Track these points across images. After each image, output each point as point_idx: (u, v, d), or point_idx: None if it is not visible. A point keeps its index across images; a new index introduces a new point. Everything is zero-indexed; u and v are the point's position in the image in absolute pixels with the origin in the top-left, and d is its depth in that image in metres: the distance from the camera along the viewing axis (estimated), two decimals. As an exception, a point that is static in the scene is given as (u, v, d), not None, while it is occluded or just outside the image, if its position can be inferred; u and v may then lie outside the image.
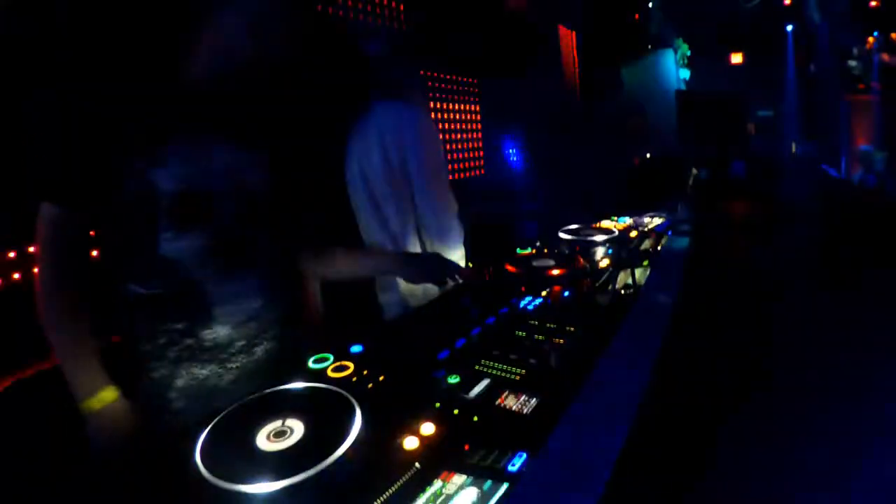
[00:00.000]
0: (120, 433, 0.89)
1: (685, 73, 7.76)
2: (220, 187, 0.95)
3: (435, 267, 1.24)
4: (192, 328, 0.94)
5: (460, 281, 1.18)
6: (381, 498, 0.49)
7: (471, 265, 1.30)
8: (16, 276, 1.65)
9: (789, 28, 8.00)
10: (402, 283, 1.57)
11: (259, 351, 1.00)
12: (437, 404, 0.65)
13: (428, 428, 0.58)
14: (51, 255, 0.90)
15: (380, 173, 1.54)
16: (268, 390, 0.67)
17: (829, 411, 0.55)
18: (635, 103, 4.01)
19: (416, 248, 1.63)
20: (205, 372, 0.96)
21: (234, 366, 0.98)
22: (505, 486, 0.49)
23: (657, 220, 1.80)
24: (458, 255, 1.65)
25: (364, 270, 1.30)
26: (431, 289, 1.34)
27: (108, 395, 0.91)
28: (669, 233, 1.47)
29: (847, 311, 0.86)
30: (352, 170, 1.56)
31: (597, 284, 1.13)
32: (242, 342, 0.98)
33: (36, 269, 0.92)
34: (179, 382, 0.95)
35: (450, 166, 4.26)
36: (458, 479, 0.51)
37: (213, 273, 0.93)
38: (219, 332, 0.95)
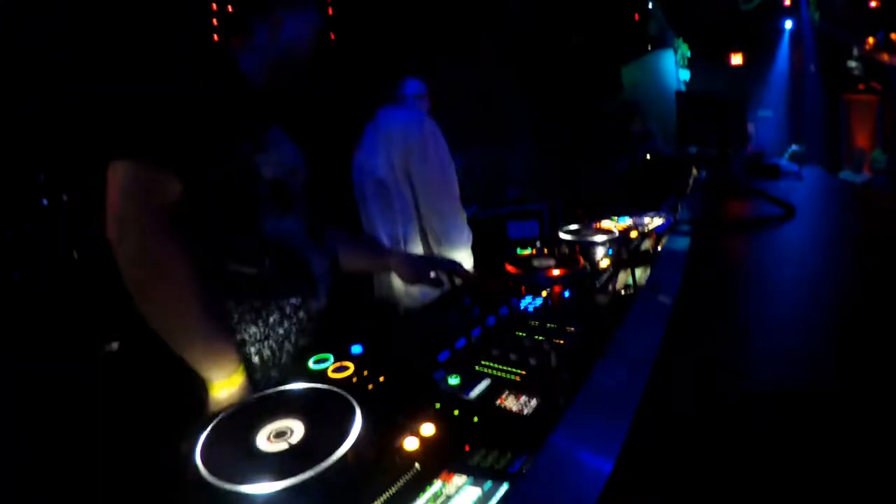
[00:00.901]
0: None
1: (685, 74, 7.76)
2: (297, 178, 1.01)
3: (430, 268, 1.24)
4: (304, 302, 0.98)
5: (458, 282, 1.18)
6: (381, 498, 0.49)
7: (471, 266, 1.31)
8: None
9: (788, 28, 8.01)
10: (398, 282, 1.57)
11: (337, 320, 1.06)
12: (437, 404, 0.65)
13: (428, 428, 0.58)
14: (147, 220, 0.75)
15: (384, 177, 1.54)
16: (268, 391, 0.67)
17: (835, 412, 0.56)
18: (633, 104, 4.02)
19: (419, 250, 1.64)
20: (308, 342, 1.00)
21: (323, 339, 1.01)
22: (505, 486, 0.49)
23: (657, 220, 1.80)
24: (464, 259, 1.66)
25: (363, 264, 1.31)
26: (429, 290, 1.35)
27: (240, 376, 0.85)
28: (669, 233, 1.47)
29: (857, 309, 0.86)
30: (358, 173, 1.56)
31: (597, 284, 1.13)
32: (329, 314, 1.04)
33: (123, 254, 0.75)
34: (284, 358, 0.98)
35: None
36: (459, 479, 0.51)
37: (309, 253, 1.00)
38: (322, 303, 1.02)
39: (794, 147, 5.68)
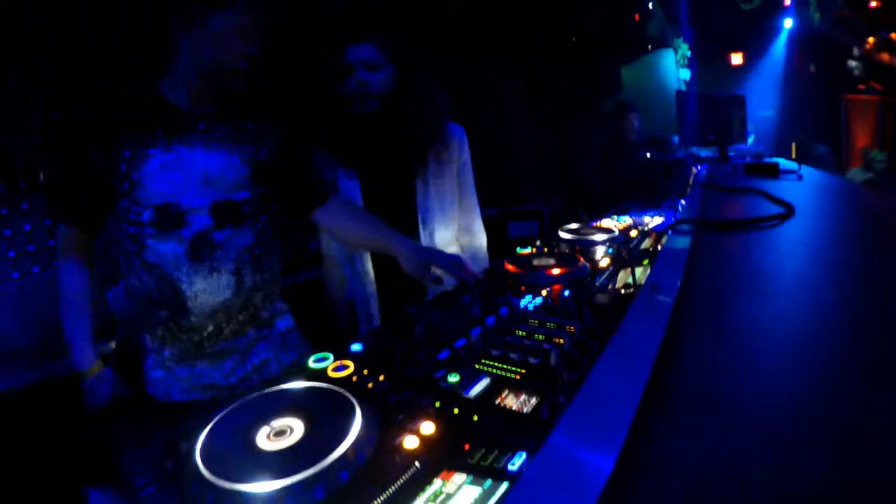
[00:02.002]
0: (107, 394, 1.15)
1: (685, 74, 7.76)
2: (195, 200, 1.12)
3: (433, 263, 1.24)
4: (172, 316, 1.14)
5: (451, 277, 1.19)
6: (381, 497, 0.49)
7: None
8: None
9: (788, 28, 8.00)
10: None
11: (228, 334, 1.20)
12: (437, 404, 0.65)
13: (428, 427, 0.58)
14: (64, 262, 1.15)
15: (437, 179, 1.66)
16: (268, 389, 0.67)
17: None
18: (626, 103, 4.02)
19: (454, 248, 1.74)
20: (179, 352, 1.19)
21: (206, 348, 1.18)
22: (505, 485, 0.49)
23: (657, 220, 1.80)
24: (480, 261, 1.75)
25: (370, 242, 1.37)
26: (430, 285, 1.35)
27: (97, 367, 1.16)
28: (670, 232, 1.47)
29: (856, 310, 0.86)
30: (422, 178, 1.64)
31: (597, 284, 1.13)
32: (212, 327, 1.17)
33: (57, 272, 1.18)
34: (161, 356, 1.21)
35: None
36: (458, 478, 0.51)
37: (187, 272, 1.12)
38: (192, 320, 1.15)
39: (820, 148, 5.67)
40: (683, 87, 7.36)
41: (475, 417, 0.61)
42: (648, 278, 1.05)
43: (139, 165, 1.08)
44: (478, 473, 0.51)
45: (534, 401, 0.65)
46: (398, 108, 1.48)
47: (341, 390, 0.64)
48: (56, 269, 1.17)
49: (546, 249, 1.44)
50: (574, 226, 1.65)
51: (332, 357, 0.79)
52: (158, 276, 1.12)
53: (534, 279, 1.14)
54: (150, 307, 1.15)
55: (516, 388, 0.68)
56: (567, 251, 1.40)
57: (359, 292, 1.66)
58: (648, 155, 3.60)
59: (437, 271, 1.23)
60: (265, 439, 0.56)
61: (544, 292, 1.07)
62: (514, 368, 0.74)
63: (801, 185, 2.45)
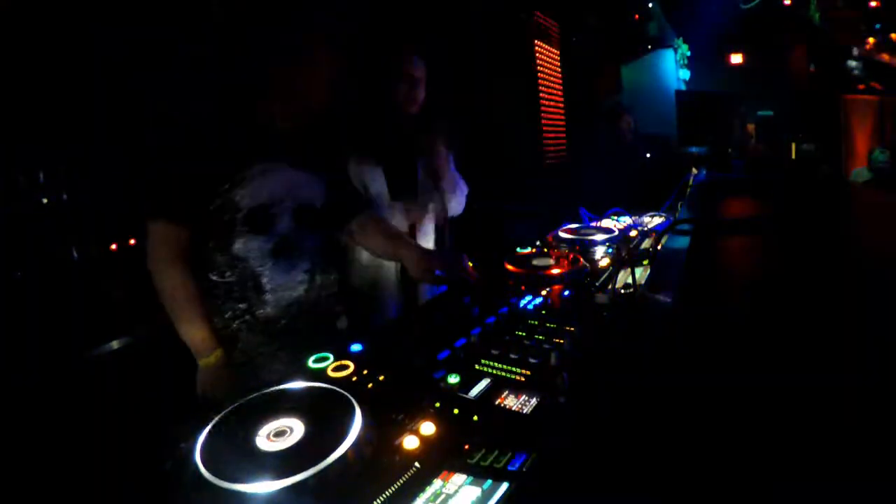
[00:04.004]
0: (222, 384, 1.16)
1: (685, 74, 7.75)
2: (281, 205, 1.24)
3: (436, 265, 1.24)
4: (250, 308, 1.24)
5: (452, 278, 1.19)
6: (381, 497, 0.49)
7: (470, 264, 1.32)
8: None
9: (787, 28, 7.99)
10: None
11: (300, 327, 1.28)
12: (437, 404, 0.65)
13: (428, 428, 0.58)
14: (165, 261, 1.17)
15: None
16: (268, 390, 0.67)
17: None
18: (620, 104, 4.01)
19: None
20: (257, 340, 1.25)
21: (279, 339, 1.26)
22: (505, 485, 0.49)
23: (657, 220, 1.80)
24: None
25: (387, 247, 1.42)
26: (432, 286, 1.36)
27: (216, 356, 1.18)
28: (669, 232, 1.47)
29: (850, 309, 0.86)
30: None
31: (597, 284, 1.13)
32: (285, 321, 1.27)
33: (151, 271, 1.18)
34: (238, 346, 1.24)
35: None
36: (458, 478, 0.51)
37: (269, 268, 1.23)
38: (269, 311, 1.24)
39: (793, 149, 5.63)
40: (683, 87, 7.35)
41: (475, 418, 0.61)
42: (648, 278, 1.05)
43: (242, 172, 1.20)
44: (477, 474, 0.51)
45: (534, 401, 0.65)
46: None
47: (341, 391, 0.64)
48: (154, 271, 1.18)
49: (546, 249, 1.44)
50: (574, 226, 1.65)
51: (332, 357, 0.79)
52: (242, 269, 1.22)
53: (534, 279, 1.14)
54: (228, 301, 1.24)
55: (516, 388, 0.68)
56: (567, 251, 1.40)
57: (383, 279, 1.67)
58: (648, 156, 3.60)
59: (440, 272, 1.24)
60: (265, 440, 0.56)
61: (544, 292, 1.07)
62: (514, 369, 0.74)
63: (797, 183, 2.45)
